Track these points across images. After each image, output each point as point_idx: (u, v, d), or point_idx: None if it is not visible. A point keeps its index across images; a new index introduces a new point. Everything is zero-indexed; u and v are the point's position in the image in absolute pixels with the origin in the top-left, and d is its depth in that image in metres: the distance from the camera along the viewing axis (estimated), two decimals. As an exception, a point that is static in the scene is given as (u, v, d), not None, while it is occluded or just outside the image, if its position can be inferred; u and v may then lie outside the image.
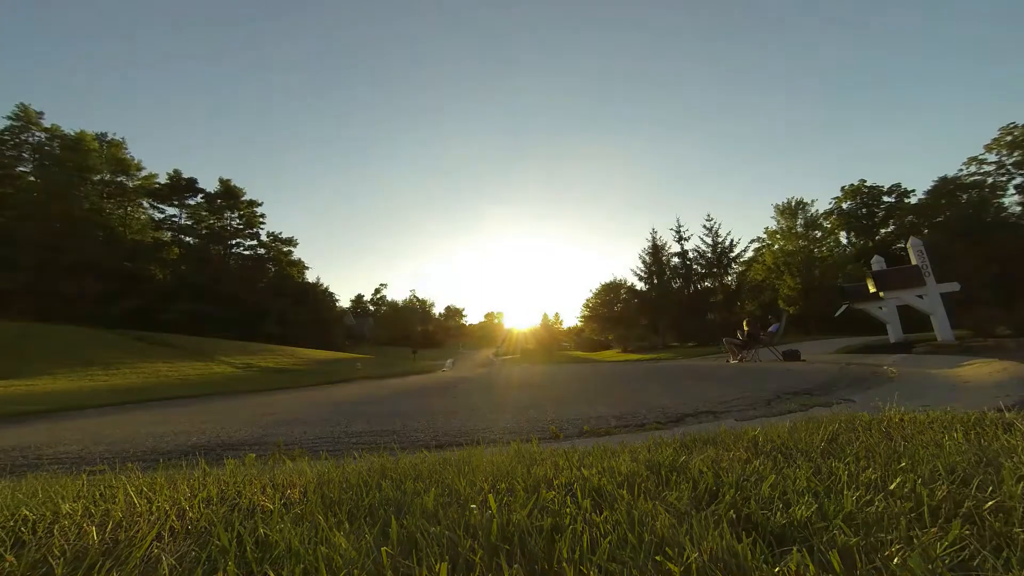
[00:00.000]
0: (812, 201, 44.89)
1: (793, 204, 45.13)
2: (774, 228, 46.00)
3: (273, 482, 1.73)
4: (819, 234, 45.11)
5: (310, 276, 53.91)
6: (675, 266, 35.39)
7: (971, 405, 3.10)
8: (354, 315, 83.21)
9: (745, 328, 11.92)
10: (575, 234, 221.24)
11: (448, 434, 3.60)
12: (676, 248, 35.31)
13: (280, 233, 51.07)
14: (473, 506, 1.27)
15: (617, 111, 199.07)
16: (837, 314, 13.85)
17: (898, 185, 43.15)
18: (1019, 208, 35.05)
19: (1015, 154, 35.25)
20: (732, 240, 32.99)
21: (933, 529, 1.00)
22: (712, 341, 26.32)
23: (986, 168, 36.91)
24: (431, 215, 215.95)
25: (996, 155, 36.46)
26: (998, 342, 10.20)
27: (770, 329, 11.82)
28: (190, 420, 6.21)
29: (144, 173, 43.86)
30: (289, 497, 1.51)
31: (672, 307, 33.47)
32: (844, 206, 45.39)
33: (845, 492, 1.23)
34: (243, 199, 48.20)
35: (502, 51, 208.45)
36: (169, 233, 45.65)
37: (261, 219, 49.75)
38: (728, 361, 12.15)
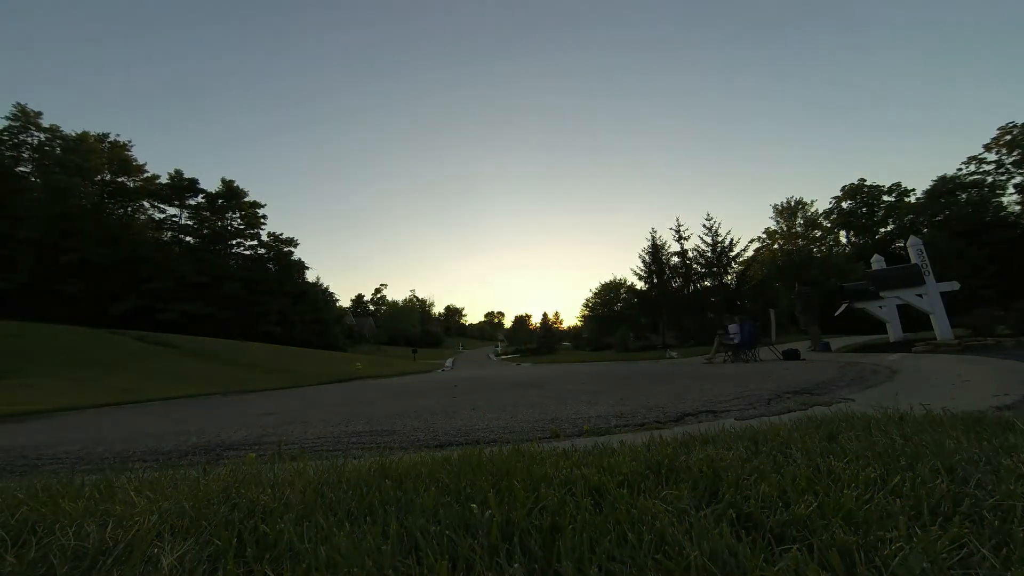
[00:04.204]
0: (812, 201, 45.04)
1: (792, 204, 45.21)
2: (774, 228, 46.07)
3: (273, 481, 1.73)
4: (819, 233, 45.18)
5: (310, 276, 53.90)
6: (675, 265, 35.43)
7: (971, 404, 3.10)
8: (354, 315, 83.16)
9: (734, 322, 11.81)
10: (575, 234, 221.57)
11: (448, 434, 3.60)
12: (676, 248, 35.40)
13: (281, 233, 51.09)
14: (473, 505, 1.27)
15: (617, 111, 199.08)
16: (837, 313, 13.86)
17: (898, 184, 43.22)
18: (1018, 207, 35.07)
19: (1014, 153, 35.25)
20: (732, 240, 33.02)
21: (933, 527, 1.00)
22: (712, 340, 26.33)
23: (985, 167, 36.94)
24: (432, 215, 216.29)
25: (995, 154, 36.50)
26: (998, 341, 10.20)
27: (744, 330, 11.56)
28: (190, 420, 6.21)
29: (146, 174, 43.94)
30: (289, 496, 1.51)
31: (672, 306, 33.49)
32: (844, 205, 45.45)
33: (845, 491, 1.23)
34: (245, 199, 48.22)
35: (504, 51, 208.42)
36: (170, 233, 45.65)
37: (262, 220, 49.77)
38: (710, 360, 11.97)
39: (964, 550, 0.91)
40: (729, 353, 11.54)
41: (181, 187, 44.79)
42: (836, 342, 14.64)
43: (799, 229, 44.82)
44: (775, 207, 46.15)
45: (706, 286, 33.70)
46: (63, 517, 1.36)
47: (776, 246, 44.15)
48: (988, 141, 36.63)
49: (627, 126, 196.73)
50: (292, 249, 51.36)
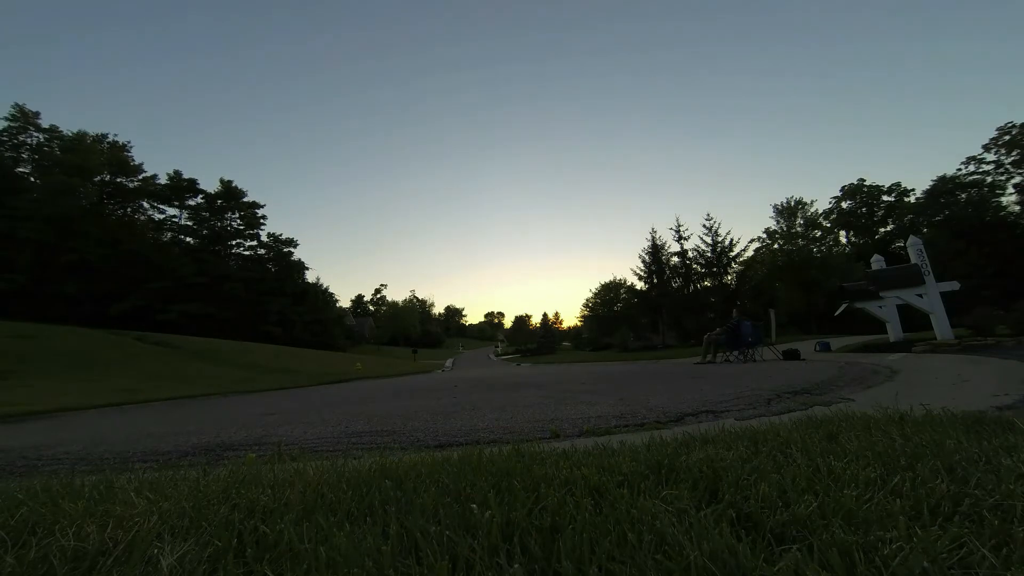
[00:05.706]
0: (811, 201, 45.10)
1: (792, 204, 45.26)
2: (774, 228, 46.12)
3: (273, 482, 1.73)
4: (819, 233, 45.23)
5: (310, 276, 53.93)
6: (675, 265, 35.46)
7: (971, 404, 3.10)
8: (354, 315, 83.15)
9: (734, 316, 11.77)
10: (576, 234, 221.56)
11: (448, 434, 3.59)
12: (676, 248, 35.43)
13: (280, 234, 51.13)
14: (473, 505, 1.27)
15: (618, 111, 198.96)
16: (837, 313, 13.84)
17: (898, 184, 43.33)
18: (1018, 207, 35.08)
19: (1013, 153, 35.27)
20: (732, 240, 33.04)
21: (933, 527, 1.00)
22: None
23: (984, 167, 36.96)
24: (432, 216, 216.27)
25: (994, 154, 36.51)
26: (998, 341, 10.19)
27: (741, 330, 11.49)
28: (190, 420, 6.20)
29: (145, 174, 43.96)
30: (289, 497, 1.50)
31: (672, 306, 33.50)
32: (844, 205, 45.53)
33: (845, 491, 1.23)
34: (244, 200, 48.25)
35: (503, 51, 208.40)
36: (169, 234, 45.68)
37: (262, 220, 49.81)
38: (704, 359, 11.95)
39: (964, 550, 0.91)
40: (727, 352, 11.52)
41: (180, 187, 44.82)
42: (836, 342, 14.63)
43: (799, 229, 44.84)
44: (775, 207, 46.24)
45: (706, 286, 33.70)
46: (63, 517, 1.36)
47: (776, 246, 44.14)
48: (987, 141, 36.68)
49: (627, 126, 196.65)
50: (292, 249, 51.41)
